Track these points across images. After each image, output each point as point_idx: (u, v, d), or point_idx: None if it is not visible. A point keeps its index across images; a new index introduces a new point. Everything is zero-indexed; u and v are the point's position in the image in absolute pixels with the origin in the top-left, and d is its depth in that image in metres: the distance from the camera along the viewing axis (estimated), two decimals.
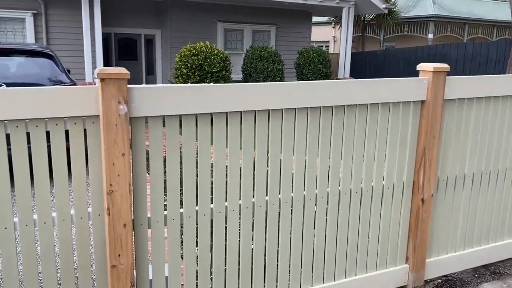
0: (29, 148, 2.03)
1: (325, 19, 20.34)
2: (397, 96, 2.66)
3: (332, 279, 2.75)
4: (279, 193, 2.50)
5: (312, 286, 2.70)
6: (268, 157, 2.40)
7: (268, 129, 2.37)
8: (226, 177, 2.31)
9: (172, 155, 2.18)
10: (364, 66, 15.73)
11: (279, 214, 2.53)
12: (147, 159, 2.16)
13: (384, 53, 15.45)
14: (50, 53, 5.46)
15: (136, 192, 2.16)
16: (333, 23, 20.65)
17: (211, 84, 2.16)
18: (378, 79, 2.58)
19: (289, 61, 12.93)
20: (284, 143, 2.43)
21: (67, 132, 2.08)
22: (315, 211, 2.62)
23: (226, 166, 2.31)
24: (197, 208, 2.30)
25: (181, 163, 2.21)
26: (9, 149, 2.01)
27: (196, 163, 2.27)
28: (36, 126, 1.96)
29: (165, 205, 2.32)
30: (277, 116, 2.37)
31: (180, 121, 2.19)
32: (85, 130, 2.06)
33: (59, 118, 1.98)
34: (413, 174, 2.87)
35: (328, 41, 22.58)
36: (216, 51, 9.69)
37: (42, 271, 2.09)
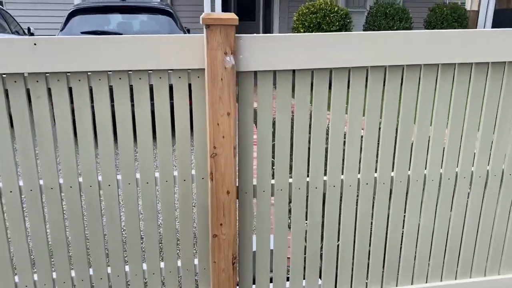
0: (133, 106, 1.90)
1: None
2: None
3: (467, 275, 2.27)
4: (409, 169, 2.07)
5: (441, 281, 2.26)
6: (398, 125, 1.97)
7: (401, 90, 1.93)
8: (344, 146, 1.95)
9: (283, 116, 1.88)
10: (506, 25, 13.52)
11: (406, 194, 2.11)
12: (255, 121, 1.89)
13: None
14: (170, 10, 5.50)
15: (242, 156, 1.92)
16: None
17: (334, 33, 1.78)
18: None
19: (418, 19, 11.66)
20: (422, 107, 1.97)
21: (171, 87, 1.91)
22: (453, 195, 2.13)
23: (345, 133, 1.95)
24: (308, 179, 2.00)
25: (292, 127, 1.90)
26: (112, 105, 1.91)
27: (310, 127, 1.94)
28: (140, 78, 1.80)
29: (273, 173, 2.04)
30: (430, 73, 1.91)
31: (293, 78, 1.87)
32: (189, 85, 1.86)
33: (162, 70, 1.80)
34: None
35: None
36: (336, 8, 9.05)
37: (144, 231, 1.99)
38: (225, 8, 11.99)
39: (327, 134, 1.92)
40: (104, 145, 1.84)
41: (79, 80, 1.76)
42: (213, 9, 9.80)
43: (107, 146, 1.84)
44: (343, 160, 1.94)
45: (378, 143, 1.93)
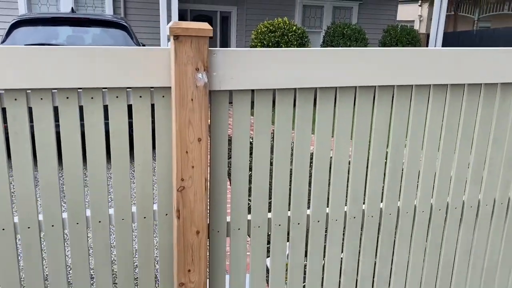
0: (82, 126, 1.59)
1: None
2: None
3: None
4: (399, 200, 1.87)
5: None
6: (387, 149, 1.78)
7: (391, 111, 1.74)
8: (330, 174, 1.73)
9: (261, 141, 1.64)
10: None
11: (398, 226, 1.90)
12: (229, 148, 1.63)
13: (481, 33, 13.78)
14: (124, 23, 5.16)
15: (214, 189, 1.64)
16: (420, 1, 18.98)
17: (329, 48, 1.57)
18: None
19: (373, 40, 11.92)
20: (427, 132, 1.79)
21: (129, 107, 1.62)
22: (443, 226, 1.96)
23: (331, 158, 1.73)
24: (289, 214, 1.75)
25: (271, 152, 1.66)
26: (57, 131, 1.59)
27: (291, 154, 1.71)
28: (92, 98, 1.50)
29: (249, 207, 1.78)
30: (421, 94, 1.73)
31: (273, 98, 1.64)
32: (152, 105, 1.58)
33: (120, 88, 1.51)
34: None
35: (413, 21, 20.86)
36: (294, 28, 9.03)
37: (96, 281, 1.66)
38: None
39: (311, 160, 1.69)
40: (47, 176, 1.51)
41: (15, 100, 1.43)
42: None
43: (51, 177, 1.51)
44: (328, 190, 1.71)
45: (366, 171, 1.72)
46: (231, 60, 1.50)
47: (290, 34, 8.95)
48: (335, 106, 1.66)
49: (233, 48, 1.51)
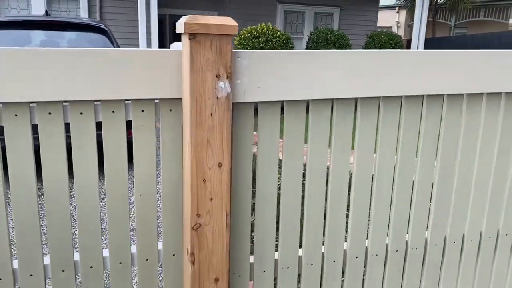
0: (68, 144, 1.27)
1: (388, 2, 18.84)
2: None
3: None
4: (448, 228, 1.60)
5: None
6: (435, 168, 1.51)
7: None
8: (371, 200, 1.45)
9: (292, 165, 1.34)
10: None
11: (444, 258, 1.63)
12: (254, 171, 1.33)
13: (459, 39, 13.88)
14: (104, 27, 4.78)
15: (234, 224, 1.33)
16: (397, 8, 19.11)
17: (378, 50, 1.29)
18: None
19: (356, 46, 11.81)
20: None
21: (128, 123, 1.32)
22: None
23: (372, 180, 1.44)
24: (323, 249, 1.46)
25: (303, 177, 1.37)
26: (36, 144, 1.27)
27: (327, 178, 1.42)
28: (81, 113, 1.17)
29: (277, 244, 1.48)
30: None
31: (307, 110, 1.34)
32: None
33: (117, 101, 1.19)
34: None
35: (390, 27, 20.99)
36: (278, 33, 8.80)
37: None
38: (160, 28, 11.35)
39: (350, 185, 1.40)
40: (23, 218, 1.17)
41: None
42: (148, 30, 9.14)
43: (31, 220, 1.17)
44: (368, 220, 1.43)
45: (412, 196, 1.44)
46: (260, 65, 1.20)
47: (274, 40, 8.71)
48: (378, 118, 1.38)
49: (260, 50, 1.21)
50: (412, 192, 1.49)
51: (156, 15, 9.20)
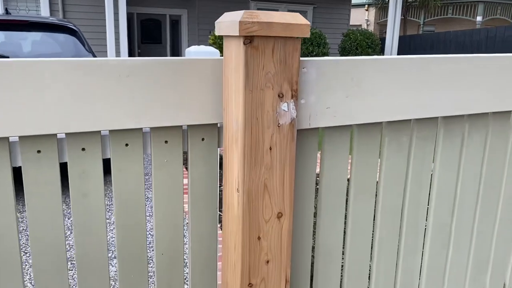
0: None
1: (358, 0, 18.88)
2: None
3: None
4: None
5: None
6: None
7: None
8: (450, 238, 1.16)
9: (361, 205, 1.03)
10: (408, 52, 14.30)
11: None
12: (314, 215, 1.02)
13: (431, 36, 13.99)
14: (73, 27, 4.32)
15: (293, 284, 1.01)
16: (366, 6, 19.19)
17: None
18: None
19: (333, 45, 11.65)
20: None
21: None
22: None
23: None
24: None
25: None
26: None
27: (402, 212, 1.12)
28: (83, 149, 0.82)
29: None
30: None
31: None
32: (184, 153, 0.93)
33: (134, 130, 0.85)
34: None
35: (360, 25, 21.07)
36: None
37: None
38: (128, 29, 10.82)
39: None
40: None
41: None
42: (117, 29, 8.64)
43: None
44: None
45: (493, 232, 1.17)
46: (331, 78, 0.89)
47: None
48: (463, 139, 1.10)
49: (331, 58, 0.89)
50: (494, 227, 1.22)
51: (125, 13, 8.72)
